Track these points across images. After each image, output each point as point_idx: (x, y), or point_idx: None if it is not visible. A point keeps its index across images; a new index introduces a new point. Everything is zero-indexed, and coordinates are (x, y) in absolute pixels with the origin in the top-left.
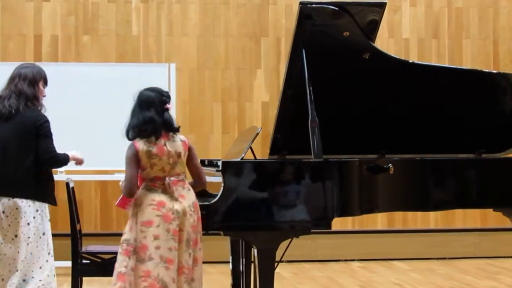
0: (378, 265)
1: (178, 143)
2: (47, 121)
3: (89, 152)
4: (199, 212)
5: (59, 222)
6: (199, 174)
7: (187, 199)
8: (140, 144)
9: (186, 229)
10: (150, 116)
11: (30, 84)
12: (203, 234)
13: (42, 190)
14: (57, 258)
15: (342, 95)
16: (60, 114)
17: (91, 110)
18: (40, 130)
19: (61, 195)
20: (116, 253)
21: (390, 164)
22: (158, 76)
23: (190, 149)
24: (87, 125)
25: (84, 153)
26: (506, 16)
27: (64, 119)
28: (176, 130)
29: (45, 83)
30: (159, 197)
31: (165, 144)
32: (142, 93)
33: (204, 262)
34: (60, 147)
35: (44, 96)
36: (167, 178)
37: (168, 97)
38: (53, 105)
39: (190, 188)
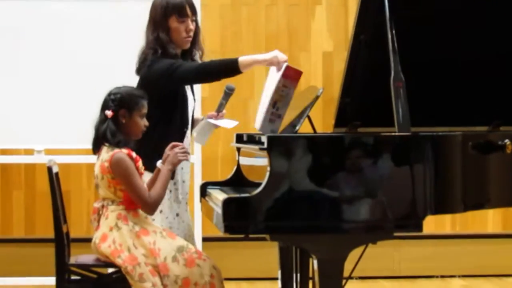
0: (488, 283)
1: None
2: None
3: (78, 126)
4: None
5: (37, 222)
6: None
7: None
8: None
9: None
10: None
11: None
12: (243, 239)
13: None
14: (35, 272)
15: (436, 44)
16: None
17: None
18: None
19: (40, 184)
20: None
21: (507, 140)
22: None
23: None
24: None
25: (71, 127)
26: None
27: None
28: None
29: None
30: None
31: None
32: None
33: (241, 279)
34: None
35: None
36: None
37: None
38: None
39: None
